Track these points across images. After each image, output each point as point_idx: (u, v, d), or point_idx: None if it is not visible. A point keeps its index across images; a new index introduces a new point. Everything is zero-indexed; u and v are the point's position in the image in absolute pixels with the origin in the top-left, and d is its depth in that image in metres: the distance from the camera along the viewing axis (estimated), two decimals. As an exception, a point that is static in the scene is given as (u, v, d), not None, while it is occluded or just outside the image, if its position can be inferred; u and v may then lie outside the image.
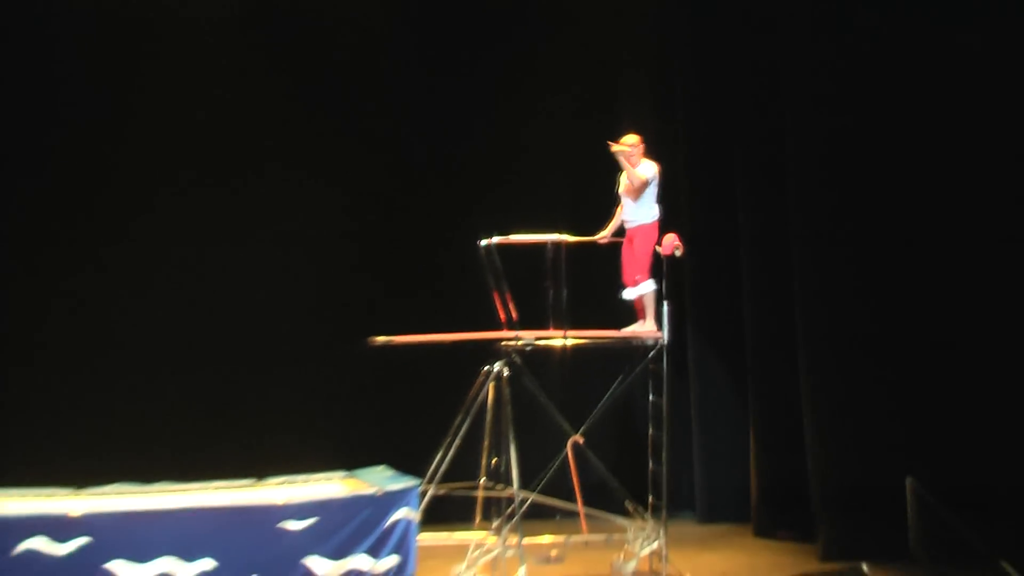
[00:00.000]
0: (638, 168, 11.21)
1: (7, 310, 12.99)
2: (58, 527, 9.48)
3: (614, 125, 13.51)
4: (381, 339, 11.04)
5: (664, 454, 11.11)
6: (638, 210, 11.23)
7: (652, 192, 11.23)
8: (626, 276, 11.25)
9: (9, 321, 12.97)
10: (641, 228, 11.20)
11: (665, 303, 11.13)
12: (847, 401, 11.71)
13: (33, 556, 9.34)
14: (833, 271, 11.89)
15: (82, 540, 9.49)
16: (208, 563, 9.65)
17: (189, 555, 9.64)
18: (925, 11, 11.61)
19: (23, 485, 10.65)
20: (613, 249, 11.53)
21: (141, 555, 9.56)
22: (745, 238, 13.05)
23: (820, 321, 11.94)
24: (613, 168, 13.52)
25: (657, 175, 11.20)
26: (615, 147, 11.18)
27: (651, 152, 11.42)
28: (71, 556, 9.42)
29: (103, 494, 10.53)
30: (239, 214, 13.39)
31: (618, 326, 11.31)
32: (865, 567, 8.89)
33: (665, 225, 11.44)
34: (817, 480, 11.84)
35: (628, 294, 11.22)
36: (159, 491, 10.65)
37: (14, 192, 13.11)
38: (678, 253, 11.21)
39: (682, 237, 11.29)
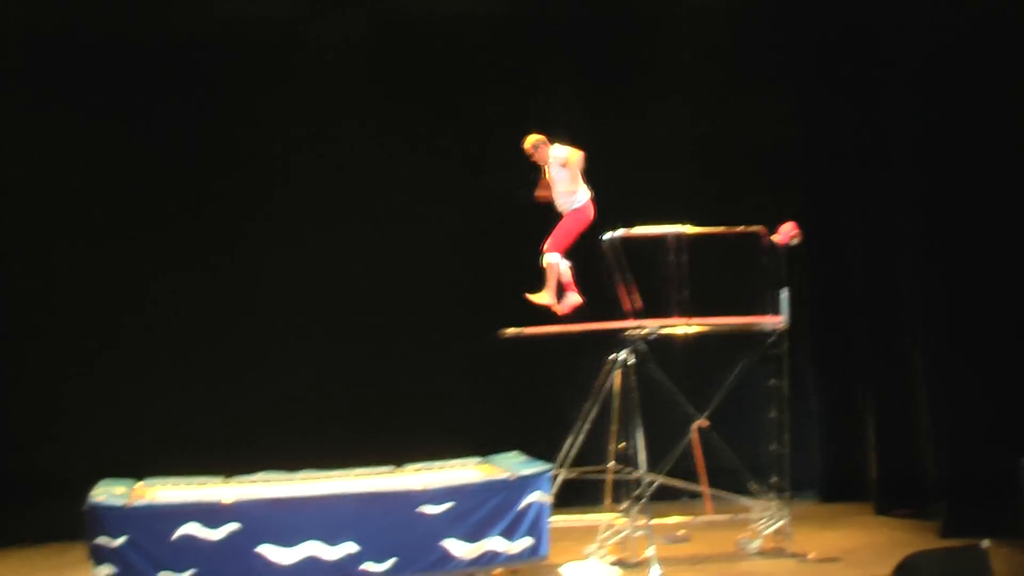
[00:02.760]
0: (552, 155, 11.28)
1: (155, 305, 13.40)
2: (211, 514, 9.92)
3: (731, 118, 13.80)
4: (512, 330, 11.35)
5: (786, 436, 11.34)
6: (565, 198, 11.31)
7: (571, 177, 11.26)
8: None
9: (155, 315, 13.39)
10: (571, 213, 11.31)
11: (784, 289, 11.35)
12: (965, 382, 11.79)
13: (190, 541, 9.82)
14: (953, 257, 11.98)
15: (233, 526, 9.91)
16: (351, 546, 10.03)
17: (333, 539, 10.03)
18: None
19: (176, 475, 11.22)
20: (732, 241, 11.77)
21: (288, 539, 9.96)
22: (862, 222, 13.17)
23: (939, 304, 12.03)
24: (727, 159, 13.79)
25: (575, 159, 11.20)
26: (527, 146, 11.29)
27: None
28: (224, 541, 9.85)
29: (251, 482, 10.99)
30: (374, 207, 13.64)
31: (738, 313, 11.56)
32: (986, 544, 8.97)
33: (780, 213, 11.66)
34: (936, 458, 11.96)
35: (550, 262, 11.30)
36: (303, 479, 11.08)
37: (150, 184, 13.49)
38: (795, 241, 11.44)
39: (799, 225, 11.51)
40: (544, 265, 11.22)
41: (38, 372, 13.16)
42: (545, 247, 11.23)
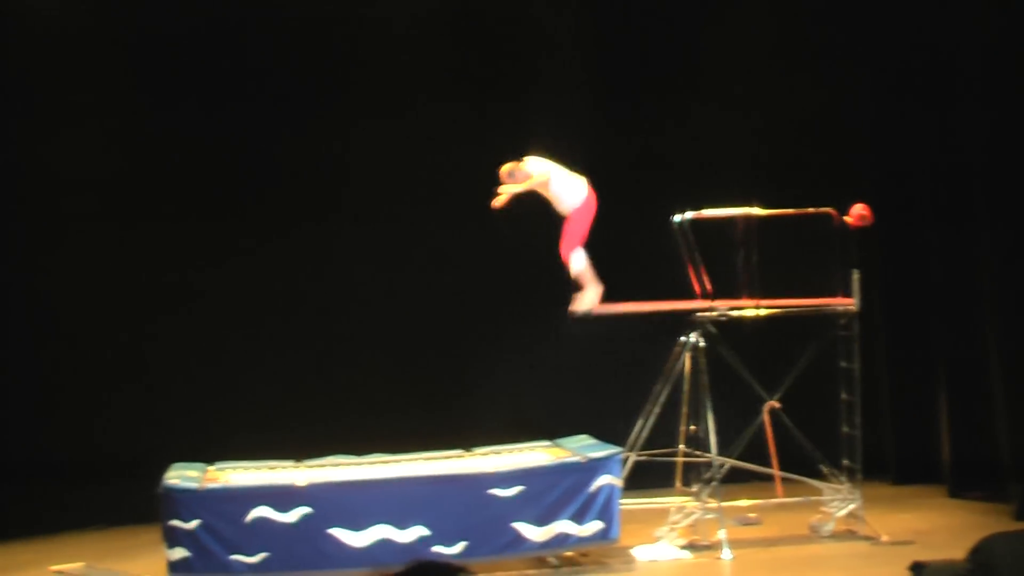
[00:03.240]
0: (532, 175, 11.17)
1: (225, 286, 13.45)
2: (283, 497, 10.03)
3: (800, 96, 13.71)
4: (581, 311, 11.28)
5: (857, 418, 11.26)
6: (563, 201, 11.21)
7: (560, 181, 11.20)
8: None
9: (226, 296, 13.45)
10: (574, 211, 11.19)
11: (856, 271, 11.28)
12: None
13: (262, 524, 9.91)
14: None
15: (305, 509, 10.01)
16: (421, 530, 10.09)
17: (403, 523, 10.10)
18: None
19: (247, 458, 11.30)
20: (802, 222, 11.70)
21: (358, 523, 10.05)
22: (934, 201, 13.07)
23: (1014, 285, 11.93)
24: (797, 138, 13.71)
25: (546, 172, 11.17)
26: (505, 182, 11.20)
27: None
28: (296, 524, 9.95)
29: (321, 466, 11.06)
30: (443, 192, 13.66)
31: (808, 295, 11.47)
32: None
33: (851, 194, 11.59)
34: (1011, 440, 11.85)
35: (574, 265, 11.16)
36: (373, 462, 11.14)
37: (213, 169, 13.59)
38: (866, 222, 11.36)
39: (870, 206, 11.44)
40: (572, 273, 11.14)
41: (109, 355, 13.27)
42: (563, 252, 11.14)
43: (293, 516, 9.98)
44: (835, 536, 11.22)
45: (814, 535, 11.29)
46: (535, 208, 13.54)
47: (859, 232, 11.34)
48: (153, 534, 10.49)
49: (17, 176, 13.09)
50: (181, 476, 10.28)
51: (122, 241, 13.33)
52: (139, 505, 11.50)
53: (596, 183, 12.34)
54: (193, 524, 9.82)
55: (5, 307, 13.06)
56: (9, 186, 13.07)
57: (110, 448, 12.77)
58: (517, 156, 11.30)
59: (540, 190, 11.20)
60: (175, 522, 9.87)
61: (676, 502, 11.26)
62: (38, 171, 13.11)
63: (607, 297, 11.44)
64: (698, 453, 11.17)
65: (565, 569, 10.45)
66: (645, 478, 11.43)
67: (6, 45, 13.13)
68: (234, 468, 10.95)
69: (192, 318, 13.37)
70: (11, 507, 12.49)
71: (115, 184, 13.31)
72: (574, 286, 11.16)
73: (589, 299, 11.17)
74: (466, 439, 11.59)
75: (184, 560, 9.86)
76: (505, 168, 11.21)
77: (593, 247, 12.43)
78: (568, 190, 11.17)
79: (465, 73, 13.87)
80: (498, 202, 11.13)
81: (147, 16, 13.40)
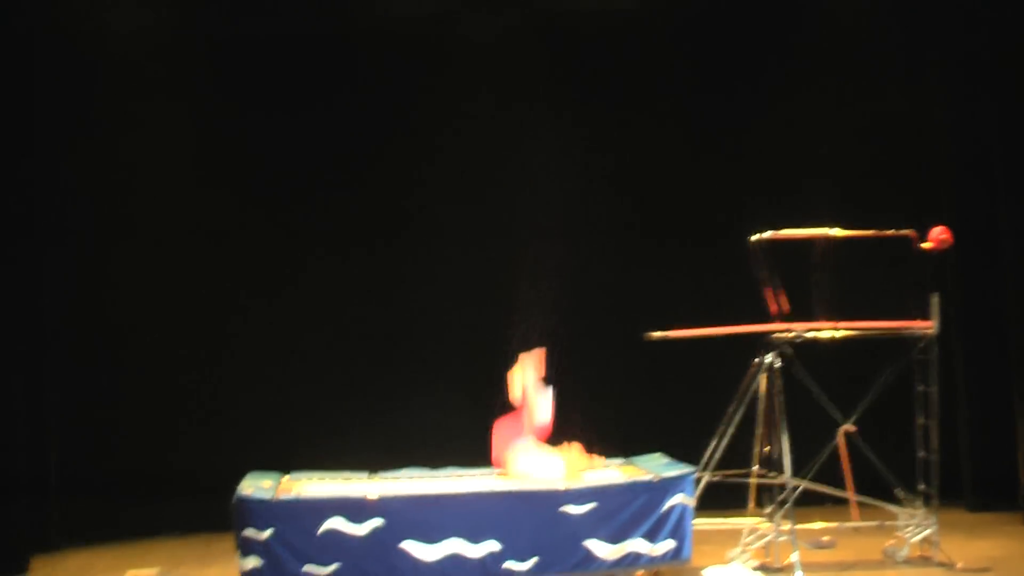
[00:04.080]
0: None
1: (297, 297, 13.57)
2: (356, 509, 10.02)
3: (878, 116, 13.65)
4: (657, 334, 11.31)
5: (934, 443, 11.17)
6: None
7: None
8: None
9: (303, 314, 13.55)
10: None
11: (935, 294, 11.18)
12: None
13: (335, 535, 9.93)
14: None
15: (377, 522, 10.02)
16: (493, 545, 10.06)
17: (475, 537, 10.07)
18: None
19: (321, 470, 11.35)
20: (881, 243, 11.62)
21: (431, 536, 10.02)
22: (1010, 226, 12.95)
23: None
24: (874, 159, 13.64)
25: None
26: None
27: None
28: (368, 536, 9.94)
29: (395, 479, 11.09)
30: (521, 209, 13.65)
31: (885, 317, 11.40)
32: None
33: (931, 217, 11.50)
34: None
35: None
36: (447, 476, 11.16)
37: (294, 173, 13.73)
38: (946, 245, 11.27)
39: (950, 228, 11.35)
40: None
41: (185, 367, 13.39)
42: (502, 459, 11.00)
43: (365, 528, 9.99)
44: (909, 562, 11.12)
45: (888, 560, 11.21)
46: (613, 227, 13.63)
47: (938, 254, 11.24)
48: (227, 543, 10.54)
49: (94, 196, 13.23)
50: (255, 486, 10.34)
51: (197, 258, 13.43)
52: (213, 514, 11.62)
53: (672, 202, 12.36)
54: (266, 534, 9.86)
55: (86, 326, 13.18)
56: (86, 206, 13.20)
57: (186, 458, 12.90)
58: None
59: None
60: (249, 531, 9.91)
61: (749, 523, 11.19)
62: (113, 189, 13.26)
63: (685, 319, 11.42)
64: (772, 474, 11.11)
65: (636, 588, 10.43)
66: (718, 498, 11.37)
67: (80, 58, 13.27)
68: (308, 479, 10.99)
69: (267, 332, 13.47)
70: (90, 514, 12.63)
71: (190, 203, 13.42)
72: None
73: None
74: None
75: (257, 569, 9.90)
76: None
77: (671, 267, 12.44)
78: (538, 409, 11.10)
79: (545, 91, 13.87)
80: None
81: (217, 28, 13.56)
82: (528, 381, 11.06)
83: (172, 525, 13.05)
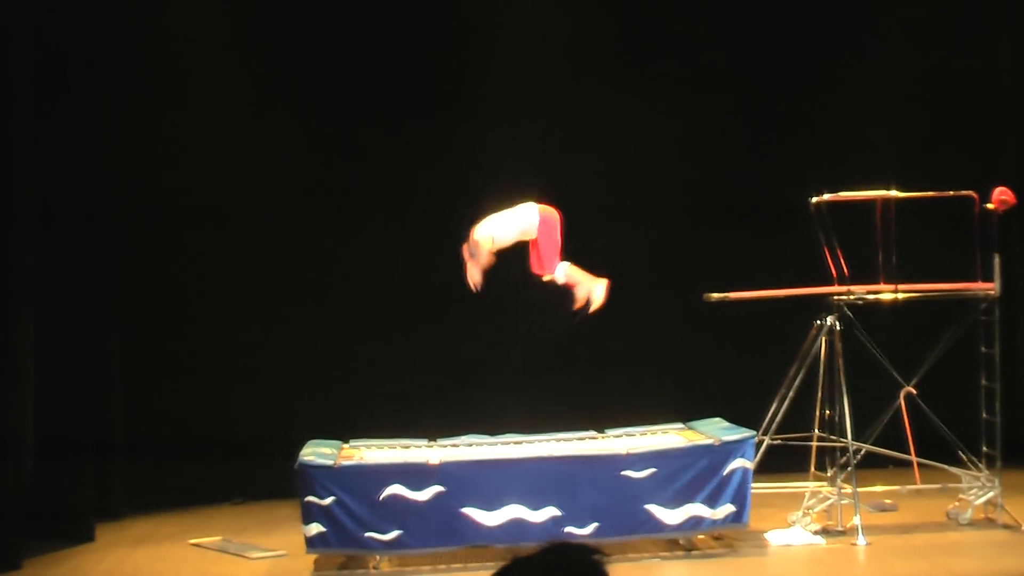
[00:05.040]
0: (482, 244, 10.74)
1: (357, 265, 13.54)
2: (417, 475, 10.12)
3: (941, 75, 13.52)
4: (717, 295, 11.27)
5: (997, 405, 11.09)
6: (525, 234, 10.88)
7: (506, 226, 10.84)
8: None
9: (363, 281, 13.54)
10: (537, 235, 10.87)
11: (997, 255, 11.08)
12: None
13: (396, 501, 10.00)
14: None
15: (437, 488, 10.10)
16: (553, 510, 10.11)
17: (535, 502, 10.13)
18: None
19: (380, 437, 11.41)
20: (943, 204, 11.54)
21: (491, 502, 10.10)
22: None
23: None
24: (936, 118, 13.51)
25: (488, 236, 10.75)
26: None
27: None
28: (429, 502, 10.03)
29: (455, 445, 11.15)
30: (580, 178, 13.55)
31: (946, 280, 11.32)
32: None
33: (993, 178, 11.39)
34: None
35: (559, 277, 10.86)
36: (506, 442, 11.21)
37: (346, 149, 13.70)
38: (1008, 206, 11.15)
39: (1013, 189, 11.23)
40: (561, 282, 10.92)
41: (247, 335, 13.43)
42: (538, 270, 10.94)
43: (427, 494, 10.06)
44: (973, 524, 11.05)
45: (951, 523, 11.13)
46: (668, 188, 13.57)
47: (1001, 215, 11.13)
48: (289, 510, 10.65)
49: (160, 166, 13.29)
50: (316, 453, 10.40)
51: (261, 223, 13.46)
52: (275, 481, 11.72)
53: (734, 165, 12.28)
54: (329, 500, 9.94)
55: (151, 292, 13.25)
56: (154, 176, 13.26)
57: (248, 426, 12.96)
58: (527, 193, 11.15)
59: (502, 247, 10.85)
60: (311, 498, 10.00)
61: (810, 487, 11.15)
62: (176, 152, 13.30)
63: (744, 283, 11.40)
64: (833, 438, 11.06)
65: (696, 552, 10.41)
66: (779, 462, 11.35)
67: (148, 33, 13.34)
68: (368, 446, 11.06)
69: (327, 299, 13.47)
70: (154, 482, 12.73)
71: (250, 173, 13.43)
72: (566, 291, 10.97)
73: (597, 292, 10.96)
74: (600, 421, 11.58)
75: (321, 535, 9.99)
76: (465, 251, 10.89)
77: (731, 230, 12.39)
78: (519, 224, 10.84)
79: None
80: (474, 284, 10.82)
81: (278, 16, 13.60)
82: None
83: (234, 493, 13.10)
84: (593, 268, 13.05)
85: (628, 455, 10.31)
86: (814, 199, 11.11)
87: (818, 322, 11.09)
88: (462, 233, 12.74)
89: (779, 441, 11.18)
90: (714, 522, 10.28)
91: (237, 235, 13.40)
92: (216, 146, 13.31)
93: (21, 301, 10.99)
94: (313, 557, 10.34)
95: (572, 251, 12.60)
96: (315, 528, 9.99)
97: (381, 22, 13.62)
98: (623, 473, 10.19)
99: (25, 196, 11.07)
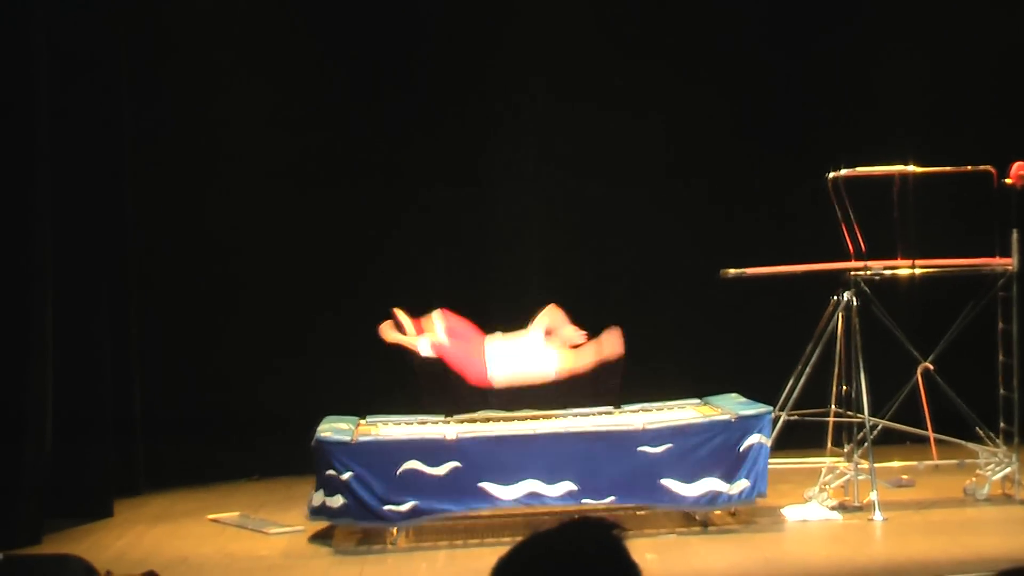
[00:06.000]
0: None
1: (372, 246, 13.55)
2: (433, 450, 10.15)
3: (958, 50, 13.48)
4: (733, 271, 11.26)
5: (1015, 381, 11.06)
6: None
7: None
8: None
9: (379, 262, 13.57)
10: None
11: (1015, 231, 11.05)
12: None
13: (413, 476, 10.03)
14: None
15: (453, 463, 10.12)
16: (569, 485, 10.14)
17: (551, 477, 10.14)
18: None
19: (397, 413, 11.43)
20: (961, 179, 11.52)
21: (507, 477, 10.12)
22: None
23: None
24: (955, 92, 13.46)
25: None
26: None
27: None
28: (446, 477, 10.06)
29: (471, 420, 11.17)
30: (598, 151, 13.60)
31: (964, 255, 11.29)
32: None
33: (1011, 151, 11.35)
34: None
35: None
36: (523, 417, 11.23)
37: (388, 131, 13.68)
38: (1026, 181, 11.14)
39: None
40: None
41: (266, 313, 13.45)
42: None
43: (443, 469, 10.08)
44: (990, 500, 11.03)
45: (969, 499, 11.12)
46: (688, 165, 13.54)
47: (1019, 190, 11.10)
48: (306, 486, 10.68)
49: (198, 158, 13.32)
50: (333, 429, 10.44)
51: (285, 203, 13.46)
52: (293, 458, 11.75)
53: (751, 139, 12.23)
54: (347, 476, 9.97)
55: (171, 269, 13.27)
56: (176, 150, 13.27)
57: (266, 403, 12.97)
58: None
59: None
60: (329, 473, 10.03)
61: (827, 463, 11.14)
62: (205, 123, 13.30)
63: (761, 258, 11.40)
64: (850, 413, 11.05)
65: (713, 528, 10.42)
66: (796, 438, 11.34)
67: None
68: (384, 423, 11.09)
69: (345, 279, 13.45)
70: (171, 459, 12.77)
71: (267, 147, 13.43)
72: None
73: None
74: (616, 396, 11.58)
75: (340, 507, 10.03)
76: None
77: (748, 205, 12.36)
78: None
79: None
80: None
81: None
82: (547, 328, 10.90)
83: (251, 469, 13.15)
84: (607, 245, 13.08)
85: (645, 430, 10.32)
86: (831, 174, 11.09)
87: (835, 298, 11.07)
88: (481, 219, 12.77)
89: (796, 417, 11.16)
90: (730, 497, 10.28)
91: (259, 215, 13.39)
92: (246, 113, 13.33)
93: (40, 278, 11.02)
94: (332, 532, 10.41)
95: (586, 231, 12.58)
96: (337, 500, 10.02)
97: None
98: (640, 448, 10.20)
99: (44, 170, 11.10)
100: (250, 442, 12.89)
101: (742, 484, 10.28)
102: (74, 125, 11.75)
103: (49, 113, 11.15)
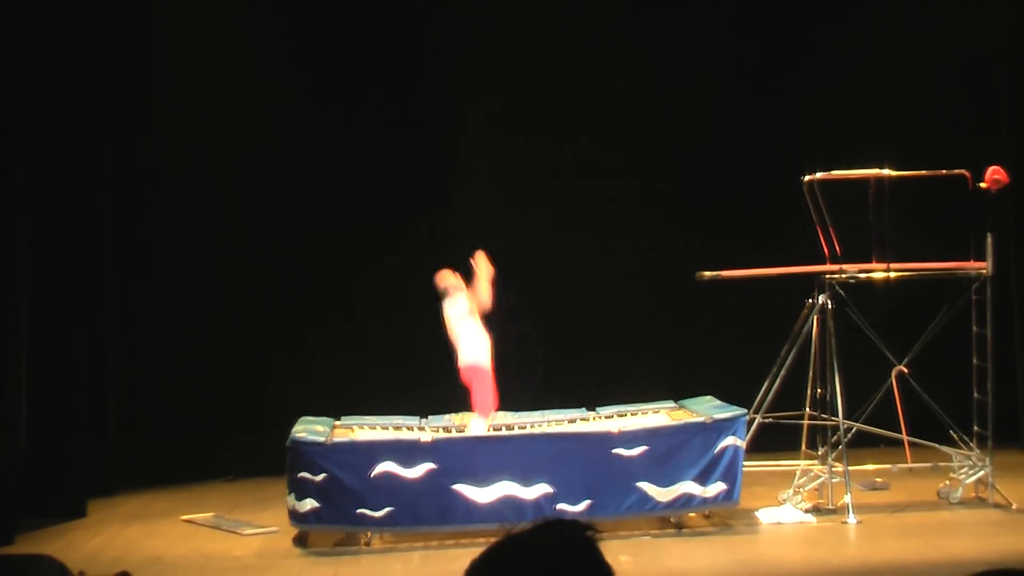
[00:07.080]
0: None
1: (357, 252, 13.51)
2: (408, 452, 10.14)
3: (933, 54, 13.51)
4: (708, 274, 11.26)
5: (989, 384, 11.09)
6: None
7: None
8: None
9: (358, 264, 13.53)
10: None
11: (989, 234, 11.08)
12: None
13: (387, 478, 10.02)
14: None
15: (429, 465, 10.11)
16: (545, 487, 10.14)
17: (527, 479, 10.15)
18: None
19: (372, 415, 11.41)
20: (935, 183, 11.55)
21: (483, 479, 10.11)
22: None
23: None
24: (930, 98, 13.49)
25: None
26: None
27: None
28: (420, 479, 10.05)
29: (446, 427, 11.15)
30: (575, 159, 13.61)
31: (940, 258, 11.32)
32: None
33: (985, 156, 11.38)
34: None
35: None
36: (497, 421, 11.20)
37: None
38: (1001, 185, 11.14)
39: (1005, 168, 11.22)
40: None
41: (241, 313, 13.41)
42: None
43: (418, 471, 10.07)
44: (964, 503, 11.07)
45: (942, 501, 11.14)
46: (664, 168, 13.55)
47: (993, 195, 11.13)
48: (280, 487, 10.65)
49: (157, 134, 13.30)
50: (308, 430, 10.42)
51: (256, 203, 13.44)
52: (267, 458, 11.71)
53: (728, 142, 12.25)
54: (321, 477, 9.95)
55: (146, 270, 13.24)
56: (152, 144, 13.24)
57: (240, 404, 12.94)
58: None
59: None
60: (303, 474, 10.01)
61: (802, 465, 11.16)
62: (174, 127, 13.28)
63: (736, 260, 11.42)
64: (824, 416, 11.07)
65: (687, 531, 10.43)
66: (770, 441, 11.36)
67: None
68: (359, 424, 11.07)
69: (321, 279, 13.43)
70: (145, 459, 12.74)
71: (252, 148, 13.42)
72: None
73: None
74: (591, 400, 11.60)
75: (314, 511, 10.01)
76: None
77: (723, 208, 12.39)
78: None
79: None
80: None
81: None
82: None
83: (226, 470, 13.12)
84: (585, 250, 13.08)
85: (620, 433, 10.33)
86: (807, 177, 11.11)
87: (810, 301, 11.09)
88: (459, 230, 12.76)
89: (771, 419, 11.17)
90: (705, 500, 10.30)
91: (234, 214, 13.35)
92: (211, 120, 13.30)
93: (14, 279, 10.98)
94: (306, 533, 10.37)
95: (564, 236, 12.60)
96: (308, 504, 10.00)
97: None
98: (615, 451, 10.20)
99: (18, 171, 11.06)
100: (225, 443, 12.86)
101: (717, 487, 10.29)
102: (50, 115, 11.74)
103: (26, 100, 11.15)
